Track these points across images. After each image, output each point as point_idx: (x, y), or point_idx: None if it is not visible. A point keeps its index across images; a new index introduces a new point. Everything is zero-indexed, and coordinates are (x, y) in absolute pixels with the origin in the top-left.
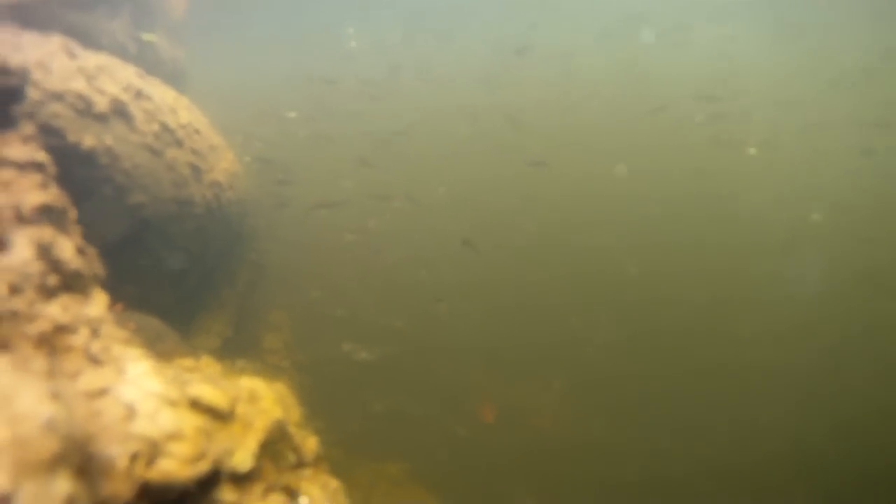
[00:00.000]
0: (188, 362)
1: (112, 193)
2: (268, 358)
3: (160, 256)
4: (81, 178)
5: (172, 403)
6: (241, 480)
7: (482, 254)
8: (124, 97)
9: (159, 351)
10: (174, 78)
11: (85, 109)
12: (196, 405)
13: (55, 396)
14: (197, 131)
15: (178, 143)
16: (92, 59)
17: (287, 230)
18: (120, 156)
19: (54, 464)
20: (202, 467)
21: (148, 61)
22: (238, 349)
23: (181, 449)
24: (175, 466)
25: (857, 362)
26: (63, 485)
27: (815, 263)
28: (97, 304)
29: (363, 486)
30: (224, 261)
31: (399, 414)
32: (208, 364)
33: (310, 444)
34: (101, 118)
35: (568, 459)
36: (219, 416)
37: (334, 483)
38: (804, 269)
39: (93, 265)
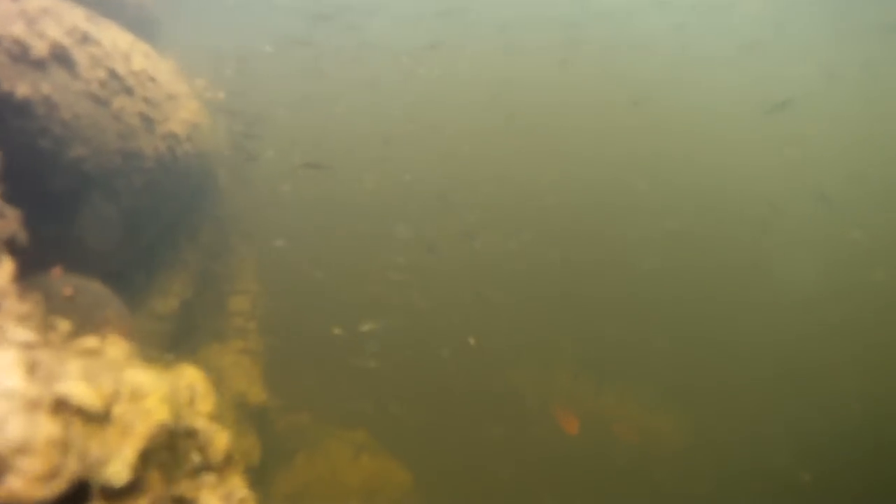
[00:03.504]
0: (91, 341)
1: (49, 146)
2: (233, 320)
3: (105, 213)
4: (16, 129)
5: (31, 405)
6: (118, 496)
7: (458, 215)
8: (67, 41)
9: (95, 320)
10: (140, 24)
11: (21, 55)
12: (62, 406)
13: None
14: (152, 79)
15: (128, 92)
16: (36, 2)
17: (259, 186)
18: (59, 105)
19: None
20: (57, 487)
21: (110, 5)
22: (200, 311)
23: (30, 464)
24: (22, 486)
25: None
26: None
27: None
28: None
29: (329, 453)
30: (185, 218)
31: (370, 382)
32: (114, 344)
33: (219, 442)
34: (38, 64)
35: (571, 448)
36: (91, 418)
37: (242, 491)
38: None
39: (9, 227)
